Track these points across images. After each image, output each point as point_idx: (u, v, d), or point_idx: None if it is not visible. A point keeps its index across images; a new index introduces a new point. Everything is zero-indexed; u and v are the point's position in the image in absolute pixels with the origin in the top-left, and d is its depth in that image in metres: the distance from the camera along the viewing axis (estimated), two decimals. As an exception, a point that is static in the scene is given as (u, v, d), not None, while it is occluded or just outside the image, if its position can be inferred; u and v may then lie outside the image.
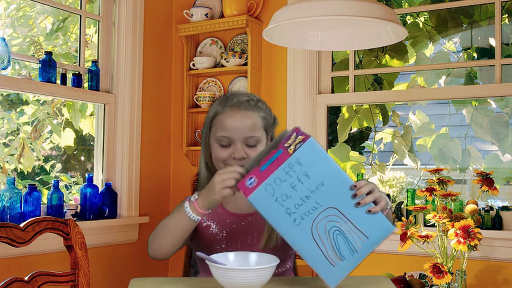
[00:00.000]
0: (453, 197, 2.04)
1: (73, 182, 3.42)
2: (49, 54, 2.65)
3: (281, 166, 1.25)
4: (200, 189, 1.74)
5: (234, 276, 1.28)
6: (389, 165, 4.03)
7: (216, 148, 1.63)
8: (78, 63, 2.93)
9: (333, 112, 3.74)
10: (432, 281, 1.95)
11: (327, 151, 2.99)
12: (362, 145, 4.34)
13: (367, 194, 1.31)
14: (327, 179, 1.27)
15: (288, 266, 1.75)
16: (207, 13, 3.17)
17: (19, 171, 3.28)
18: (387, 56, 3.46)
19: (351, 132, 3.48)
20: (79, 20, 2.96)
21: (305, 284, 1.50)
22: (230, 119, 1.60)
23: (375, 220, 1.30)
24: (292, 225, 1.29)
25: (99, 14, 3.02)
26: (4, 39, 2.46)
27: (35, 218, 1.72)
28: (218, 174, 1.42)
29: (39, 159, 3.47)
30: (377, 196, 1.32)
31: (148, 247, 1.60)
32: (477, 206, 2.09)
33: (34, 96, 3.35)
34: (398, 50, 3.41)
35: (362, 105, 3.45)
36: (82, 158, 3.62)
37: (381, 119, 3.50)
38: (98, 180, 2.99)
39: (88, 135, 3.46)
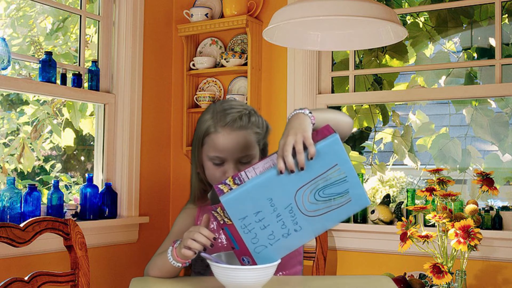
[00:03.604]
0: (453, 197, 2.04)
1: (73, 182, 3.42)
2: (49, 54, 2.65)
3: (241, 233, 1.27)
4: (192, 197, 1.74)
5: (235, 275, 1.28)
6: (389, 165, 4.03)
7: (209, 166, 1.63)
8: (78, 63, 2.93)
9: (333, 112, 3.73)
10: (432, 281, 1.95)
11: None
12: (362, 145, 4.33)
13: (294, 155, 1.23)
14: (268, 194, 1.25)
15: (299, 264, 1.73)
16: (207, 13, 3.17)
17: (19, 171, 3.28)
18: (387, 56, 3.46)
19: (351, 132, 3.48)
20: (79, 20, 2.96)
21: (306, 284, 1.50)
22: (223, 140, 1.57)
23: (323, 152, 1.25)
24: (298, 234, 1.30)
25: (99, 14, 3.02)
26: (4, 39, 2.46)
27: (35, 218, 1.72)
28: (190, 232, 1.41)
29: (39, 159, 3.47)
30: (295, 142, 1.24)
31: (144, 275, 1.61)
32: (477, 206, 2.09)
33: (34, 96, 3.35)
34: (398, 50, 3.41)
35: (362, 105, 3.45)
36: (82, 158, 3.62)
37: (381, 119, 3.50)
38: (98, 180, 2.99)
39: (88, 135, 3.46)
